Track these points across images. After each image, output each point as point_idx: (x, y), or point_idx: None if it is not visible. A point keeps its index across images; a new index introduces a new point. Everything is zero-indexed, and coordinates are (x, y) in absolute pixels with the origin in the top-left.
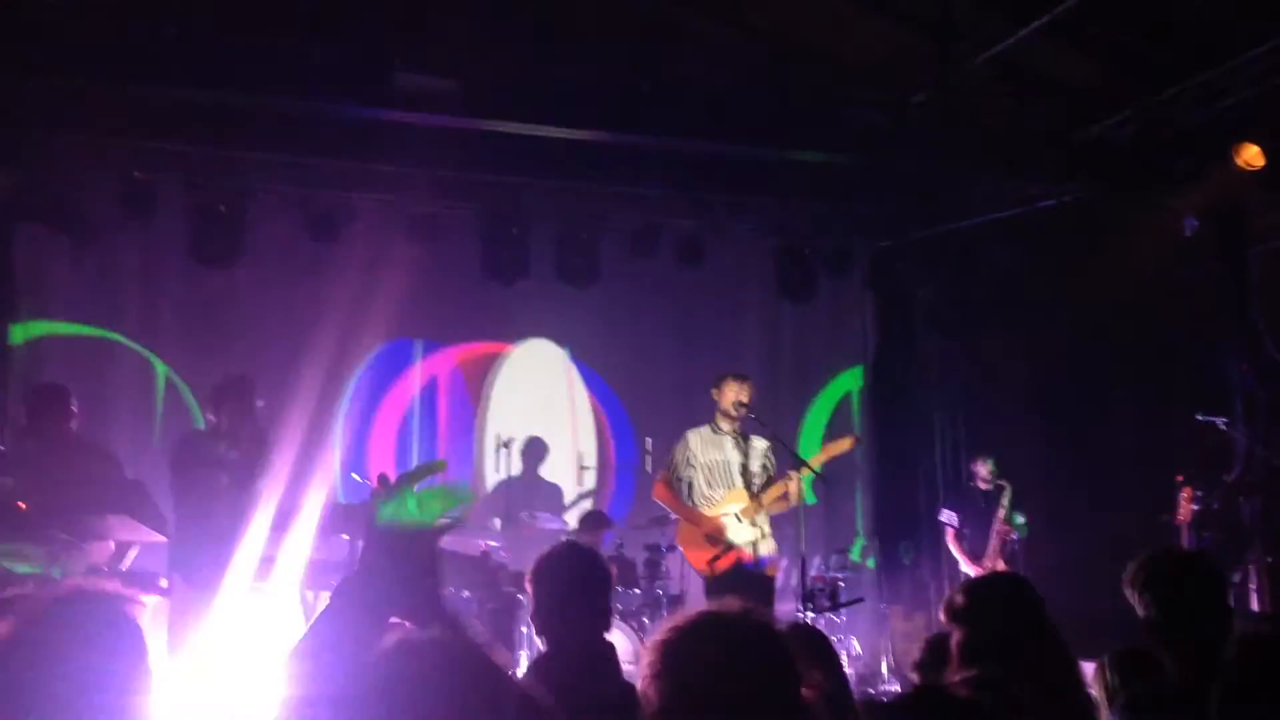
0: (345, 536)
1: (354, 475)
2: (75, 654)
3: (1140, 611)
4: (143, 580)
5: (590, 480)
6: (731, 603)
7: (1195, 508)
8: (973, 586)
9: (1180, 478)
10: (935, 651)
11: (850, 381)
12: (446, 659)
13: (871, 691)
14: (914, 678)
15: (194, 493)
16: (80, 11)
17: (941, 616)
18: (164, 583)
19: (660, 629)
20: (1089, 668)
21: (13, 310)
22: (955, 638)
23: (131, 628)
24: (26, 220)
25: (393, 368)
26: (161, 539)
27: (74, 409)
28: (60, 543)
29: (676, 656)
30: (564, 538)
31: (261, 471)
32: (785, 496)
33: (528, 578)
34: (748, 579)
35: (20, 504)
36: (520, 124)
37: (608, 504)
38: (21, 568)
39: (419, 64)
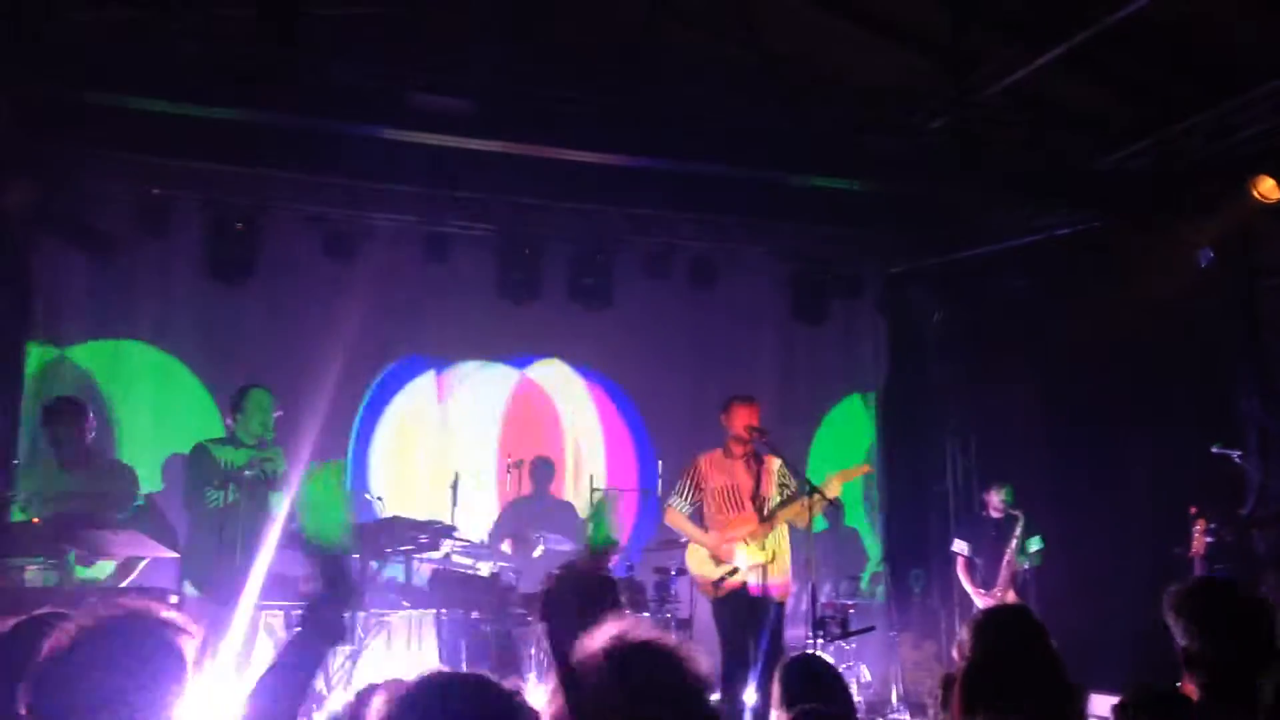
0: (356, 556)
1: (366, 495)
2: (120, 672)
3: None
4: (151, 597)
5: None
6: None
7: (1208, 540)
8: (978, 619)
9: (1193, 510)
10: (950, 689)
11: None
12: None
13: None
14: (930, 705)
15: (206, 502)
16: (99, 28)
17: (954, 653)
18: (174, 599)
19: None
20: (1102, 700)
21: (29, 325)
22: (958, 671)
23: (176, 655)
24: (44, 235)
25: (406, 387)
26: (171, 554)
27: (91, 423)
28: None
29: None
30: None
31: (275, 484)
32: (800, 512)
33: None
34: (753, 604)
35: (34, 519)
36: (535, 145)
37: (619, 526)
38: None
39: (435, 84)
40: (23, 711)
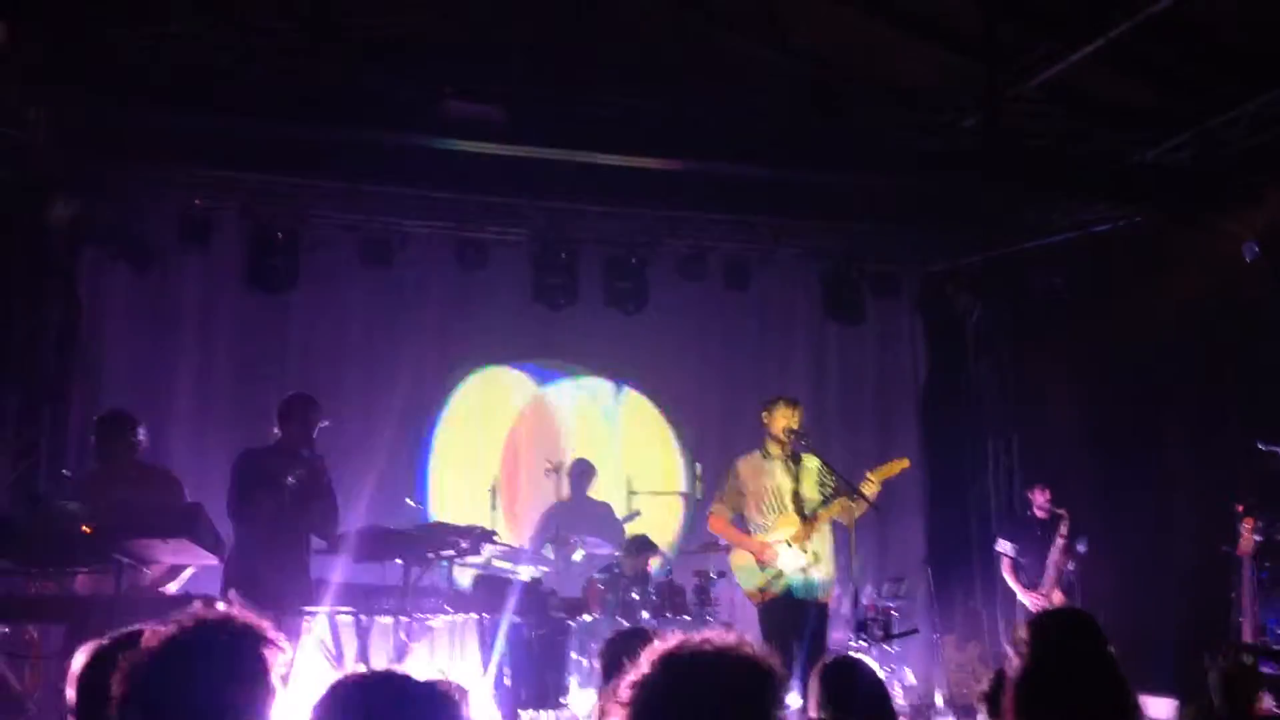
0: (399, 561)
1: (408, 500)
2: (201, 680)
3: None
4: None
5: (640, 505)
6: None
7: (1257, 539)
8: (1038, 621)
9: (1241, 508)
10: (1002, 684)
11: None
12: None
13: None
14: (980, 709)
15: (252, 509)
16: (141, 44)
17: (1008, 649)
18: (220, 606)
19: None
20: (1149, 701)
21: (75, 335)
22: (1014, 671)
23: (259, 666)
24: (88, 248)
25: (445, 391)
26: (216, 561)
27: (140, 435)
28: (123, 566)
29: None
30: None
31: (318, 493)
32: (844, 509)
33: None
34: (796, 607)
35: (85, 528)
36: (568, 150)
37: (658, 529)
38: None
39: (469, 92)
40: (114, 694)
